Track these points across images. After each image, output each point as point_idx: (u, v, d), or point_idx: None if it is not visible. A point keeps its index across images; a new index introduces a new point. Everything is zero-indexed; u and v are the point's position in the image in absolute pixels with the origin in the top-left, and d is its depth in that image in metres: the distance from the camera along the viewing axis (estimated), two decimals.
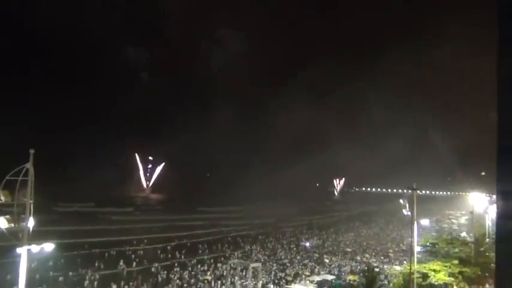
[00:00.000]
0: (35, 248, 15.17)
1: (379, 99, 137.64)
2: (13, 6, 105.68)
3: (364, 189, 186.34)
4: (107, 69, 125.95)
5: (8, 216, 14.52)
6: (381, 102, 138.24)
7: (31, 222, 15.02)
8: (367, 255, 67.39)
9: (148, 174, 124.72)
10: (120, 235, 67.19)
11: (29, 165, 14.66)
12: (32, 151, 14.72)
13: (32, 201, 14.84)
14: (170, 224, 78.22)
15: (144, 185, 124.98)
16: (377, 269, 44.63)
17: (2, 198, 14.65)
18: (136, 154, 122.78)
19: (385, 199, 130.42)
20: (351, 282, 45.84)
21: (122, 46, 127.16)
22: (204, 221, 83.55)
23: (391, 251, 72.03)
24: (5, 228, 14.48)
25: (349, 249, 72.77)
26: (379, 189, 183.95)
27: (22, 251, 14.84)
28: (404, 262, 55.51)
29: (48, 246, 15.73)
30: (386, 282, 41.92)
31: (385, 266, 57.14)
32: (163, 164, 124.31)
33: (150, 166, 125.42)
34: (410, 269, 32.13)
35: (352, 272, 53.75)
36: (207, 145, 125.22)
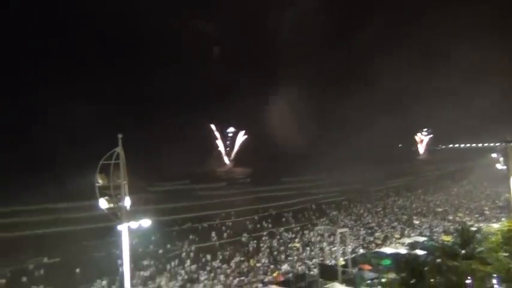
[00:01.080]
0: (133, 225, 16.38)
1: (467, 43, 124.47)
2: None
3: (451, 145, 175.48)
4: (173, 41, 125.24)
5: (107, 198, 15.81)
6: (467, 47, 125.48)
7: (127, 202, 16.20)
8: (460, 215, 64.42)
9: (228, 148, 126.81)
10: (211, 209, 70.08)
11: (119, 149, 15.72)
12: (120, 135, 15.75)
13: (125, 182, 15.98)
14: (257, 196, 79.76)
15: (226, 159, 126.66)
16: (473, 228, 42.51)
17: (100, 181, 15.93)
18: (213, 126, 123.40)
19: (476, 155, 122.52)
20: (445, 242, 44.12)
21: (186, 18, 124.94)
22: (289, 191, 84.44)
23: (486, 208, 68.22)
24: (106, 209, 15.78)
25: (439, 209, 70.07)
26: (468, 145, 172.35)
27: (123, 227, 16.11)
28: (503, 219, 52.30)
29: (145, 222, 16.87)
30: (483, 241, 39.88)
31: (481, 225, 54.28)
32: (244, 135, 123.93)
33: (229, 138, 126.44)
34: (509, 225, 30.28)
35: (445, 232, 51.80)
36: (280, 113, 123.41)
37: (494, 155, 32.55)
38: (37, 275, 42.20)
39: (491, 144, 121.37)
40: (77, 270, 42.04)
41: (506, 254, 29.71)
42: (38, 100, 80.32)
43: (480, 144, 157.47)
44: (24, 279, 41.11)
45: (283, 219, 66.66)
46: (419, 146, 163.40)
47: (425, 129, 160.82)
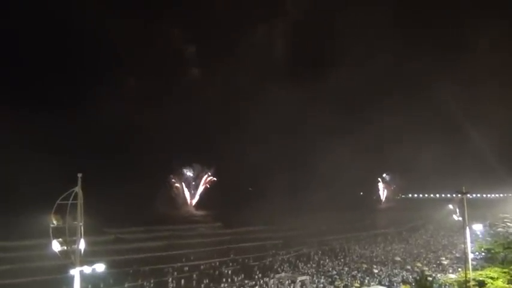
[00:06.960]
0: (87, 269, 15.64)
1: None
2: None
3: (410, 195, 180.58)
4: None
5: (60, 239, 15.09)
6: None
7: (82, 244, 15.53)
8: (418, 264, 65.21)
9: (190, 188, 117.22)
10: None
11: (78, 189, 15.22)
12: (79, 175, 15.31)
13: (81, 224, 15.38)
14: (220, 248, 75.76)
15: (188, 201, 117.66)
16: (430, 278, 43.03)
17: (54, 222, 15.26)
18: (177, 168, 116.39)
19: (434, 205, 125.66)
20: None
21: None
22: (251, 242, 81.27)
23: (443, 258, 69.46)
24: (59, 251, 15.03)
25: (398, 258, 70.73)
26: (426, 195, 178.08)
27: (75, 272, 15.34)
28: (459, 270, 53.32)
29: (100, 267, 16.16)
30: None
31: (439, 275, 55.05)
32: (208, 177, 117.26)
33: (189, 176, 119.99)
34: (466, 276, 30.86)
35: (404, 282, 52.14)
36: (243, 159, 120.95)
37: (450, 206, 33.68)
38: None
39: (448, 195, 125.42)
40: None
41: None
42: None
43: (437, 195, 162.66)
44: None
45: (247, 267, 65.02)
46: (381, 193, 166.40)
47: (387, 175, 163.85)
